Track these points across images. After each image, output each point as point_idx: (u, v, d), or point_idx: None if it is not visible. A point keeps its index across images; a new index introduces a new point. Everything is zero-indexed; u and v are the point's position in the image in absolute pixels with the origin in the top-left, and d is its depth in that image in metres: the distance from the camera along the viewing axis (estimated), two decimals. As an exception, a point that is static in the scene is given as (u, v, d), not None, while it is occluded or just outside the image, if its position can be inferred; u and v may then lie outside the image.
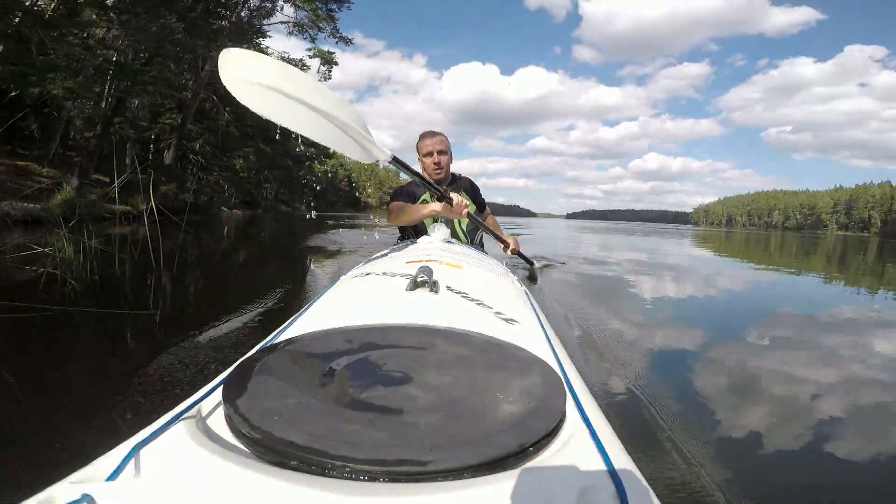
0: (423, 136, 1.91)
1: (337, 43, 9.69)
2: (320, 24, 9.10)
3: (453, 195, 1.56)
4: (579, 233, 15.53)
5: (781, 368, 1.60)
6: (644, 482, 0.38)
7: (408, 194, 1.88)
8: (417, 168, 1.89)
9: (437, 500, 0.32)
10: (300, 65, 9.79)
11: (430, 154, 1.85)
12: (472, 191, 2.05)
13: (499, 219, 2.24)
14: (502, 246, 2.16)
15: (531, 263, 2.95)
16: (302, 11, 8.95)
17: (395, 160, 1.29)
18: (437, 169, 1.85)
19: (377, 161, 1.26)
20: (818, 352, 1.89)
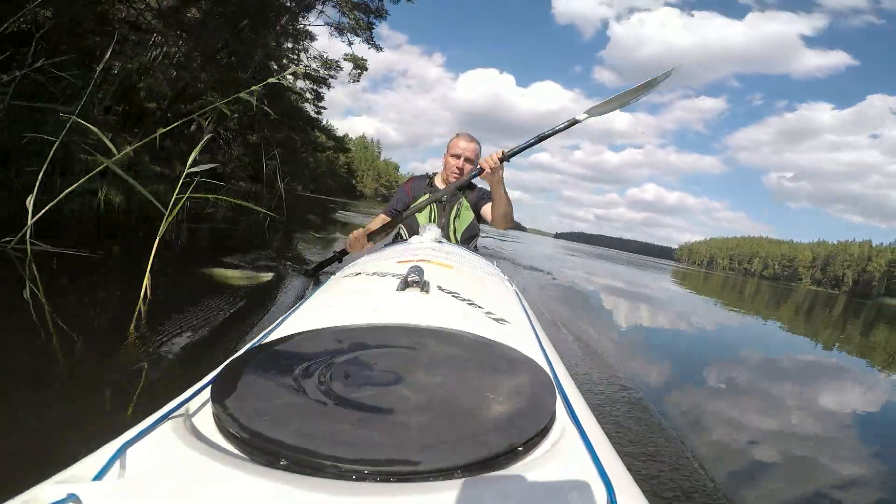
0: (459, 136, 1.88)
1: (369, 48, 10.50)
2: (358, 32, 9.77)
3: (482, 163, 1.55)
4: (565, 255, 15.81)
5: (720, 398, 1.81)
6: (633, 481, 0.39)
7: (409, 193, 1.90)
8: (440, 162, 1.93)
9: (427, 500, 0.32)
10: (335, 65, 10.62)
11: (458, 156, 1.84)
12: (477, 198, 1.90)
13: (486, 227, 1.96)
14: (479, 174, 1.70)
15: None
16: (345, 18, 9.77)
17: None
18: (456, 173, 1.84)
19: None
20: (756, 391, 2.11)
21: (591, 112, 1.70)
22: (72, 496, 0.30)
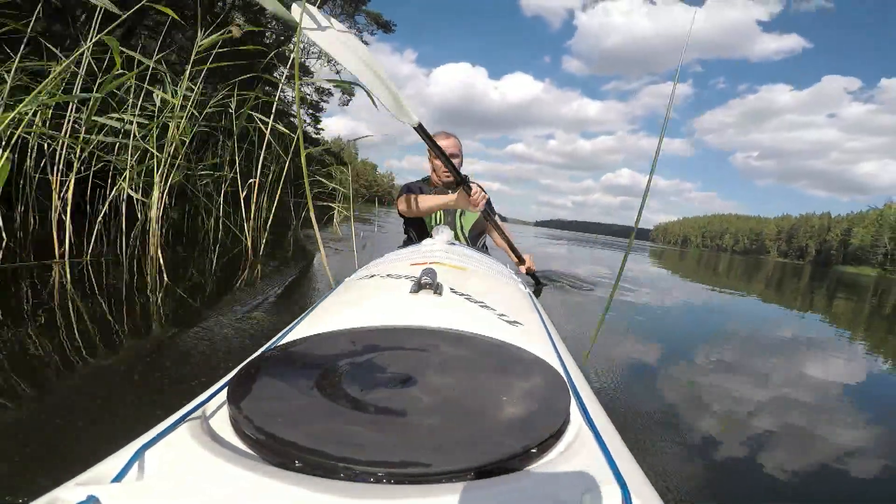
0: (437, 136, 1.88)
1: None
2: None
3: (473, 185, 1.53)
4: (547, 242, 16.02)
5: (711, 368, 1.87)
6: (648, 484, 0.39)
7: (419, 191, 1.89)
8: (427, 168, 1.96)
9: (440, 502, 0.32)
10: (327, 91, 12.51)
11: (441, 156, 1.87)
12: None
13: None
14: (516, 261, 2.08)
15: (541, 284, 2.80)
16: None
17: (421, 128, 1.40)
18: (446, 171, 1.86)
19: (404, 122, 1.39)
20: (741, 364, 2.19)
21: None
22: (92, 498, 0.31)
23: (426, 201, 1.75)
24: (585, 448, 0.40)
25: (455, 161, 1.85)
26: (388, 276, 0.94)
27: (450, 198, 1.63)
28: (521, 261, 2.11)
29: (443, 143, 1.87)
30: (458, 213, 1.88)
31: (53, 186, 2.34)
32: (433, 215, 1.88)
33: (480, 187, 1.65)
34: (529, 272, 2.18)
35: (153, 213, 2.51)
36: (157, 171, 2.55)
